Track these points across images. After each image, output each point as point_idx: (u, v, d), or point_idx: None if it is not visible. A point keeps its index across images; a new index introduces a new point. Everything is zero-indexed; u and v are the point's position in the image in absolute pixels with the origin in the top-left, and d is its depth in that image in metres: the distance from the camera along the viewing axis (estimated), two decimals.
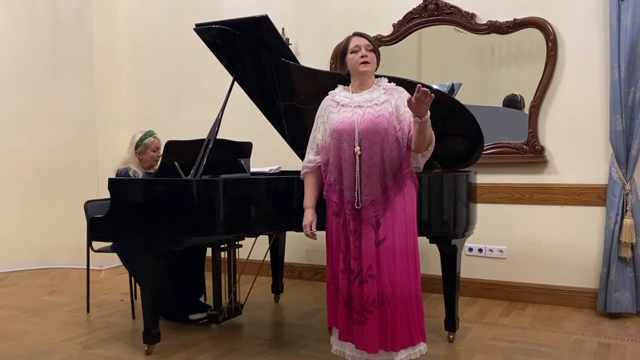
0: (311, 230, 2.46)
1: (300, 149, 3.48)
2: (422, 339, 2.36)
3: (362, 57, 2.35)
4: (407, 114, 2.30)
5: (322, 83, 3.06)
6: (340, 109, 2.39)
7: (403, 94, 2.35)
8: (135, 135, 3.48)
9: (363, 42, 2.38)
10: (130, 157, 3.43)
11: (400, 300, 2.29)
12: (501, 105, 3.82)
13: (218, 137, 2.97)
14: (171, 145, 3.00)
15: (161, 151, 3.43)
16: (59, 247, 4.88)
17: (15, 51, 4.87)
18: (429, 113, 2.16)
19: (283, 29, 4.17)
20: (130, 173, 3.35)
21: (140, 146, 3.43)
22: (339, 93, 2.46)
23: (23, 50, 4.89)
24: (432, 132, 2.27)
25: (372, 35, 2.45)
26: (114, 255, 3.54)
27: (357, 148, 2.29)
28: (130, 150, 3.45)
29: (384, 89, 2.38)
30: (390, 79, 2.46)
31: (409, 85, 2.48)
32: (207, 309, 3.41)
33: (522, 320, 3.38)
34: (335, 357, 2.57)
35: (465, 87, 3.81)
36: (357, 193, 2.30)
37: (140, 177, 3.36)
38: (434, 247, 2.96)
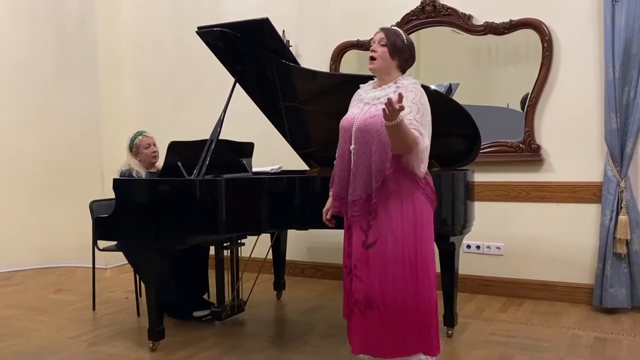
0: (326, 217, 2.40)
1: (301, 149, 3.50)
2: (421, 350, 2.20)
3: (370, 52, 2.27)
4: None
5: (322, 84, 3.08)
6: (354, 104, 2.34)
7: (409, 94, 2.16)
8: (128, 138, 3.52)
9: (378, 36, 2.26)
10: (129, 158, 3.47)
11: (392, 307, 2.16)
12: (506, 105, 3.81)
13: (220, 137, 2.97)
14: (174, 145, 3.00)
15: (155, 147, 3.47)
16: (64, 246, 4.89)
17: (21, 54, 4.87)
18: (395, 121, 1.97)
19: (284, 31, 4.16)
20: (134, 174, 3.36)
21: (133, 147, 3.48)
22: (364, 87, 2.36)
23: (28, 54, 4.89)
24: (412, 140, 2.06)
25: (370, 38, 2.37)
26: (119, 254, 3.54)
27: (353, 146, 2.24)
28: (128, 153, 3.49)
29: (397, 87, 2.22)
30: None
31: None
32: (210, 306, 3.41)
33: (519, 316, 3.38)
34: (335, 353, 2.57)
35: (462, 87, 3.81)
36: (350, 192, 2.27)
37: (144, 177, 3.37)
38: None
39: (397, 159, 2.14)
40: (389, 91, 2.21)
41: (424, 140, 2.14)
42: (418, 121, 2.13)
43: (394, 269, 2.17)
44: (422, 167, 2.17)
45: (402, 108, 1.94)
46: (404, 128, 2.02)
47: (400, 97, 1.95)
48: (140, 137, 3.49)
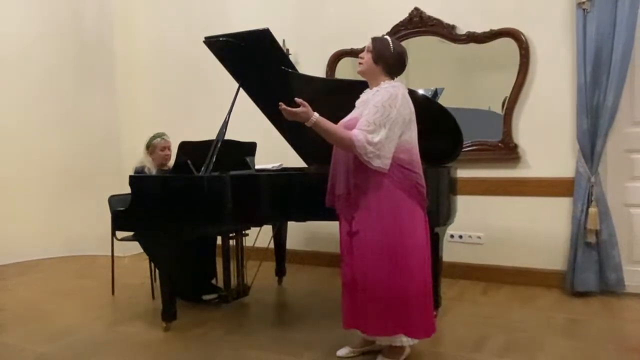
0: None
1: (299, 148, 3.50)
2: (401, 331, 2.20)
3: (359, 58, 2.30)
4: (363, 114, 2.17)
5: (319, 89, 3.07)
6: None
7: (377, 97, 2.17)
8: (149, 136, 3.52)
9: (367, 44, 2.28)
10: (144, 156, 3.48)
11: (373, 291, 2.18)
12: (487, 108, 3.79)
13: (226, 137, 2.98)
14: (184, 145, 3.01)
15: (169, 150, 3.48)
16: (86, 237, 4.91)
17: (47, 66, 4.90)
18: (310, 121, 2.10)
19: (284, 40, 4.16)
20: (145, 170, 3.38)
21: (150, 146, 3.49)
22: (365, 91, 2.34)
23: (53, 66, 4.92)
24: (341, 137, 2.11)
25: (363, 46, 2.38)
26: (136, 244, 3.55)
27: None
28: (144, 150, 3.49)
29: (377, 90, 2.21)
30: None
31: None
32: (218, 291, 3.43)
33: (498, 299, 3.39)
34: (331, 333, 2.58)
35: (447, 91, 3.81)
36: (336, 187, 2.29)
37: (154, 174, 3.39)
38: None
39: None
40: (369, 95, 2.23)
41: (373, 137, 2.07)
42: (370, 120, 2.10)
43: (372, 256, 2.18)
44: (377, 162, 2.09)
45: (293, 113, 2.09)
46: (322, 127, 2.12)
47: (298, 102, 2.07)
48: (159, 139, 3.49)
